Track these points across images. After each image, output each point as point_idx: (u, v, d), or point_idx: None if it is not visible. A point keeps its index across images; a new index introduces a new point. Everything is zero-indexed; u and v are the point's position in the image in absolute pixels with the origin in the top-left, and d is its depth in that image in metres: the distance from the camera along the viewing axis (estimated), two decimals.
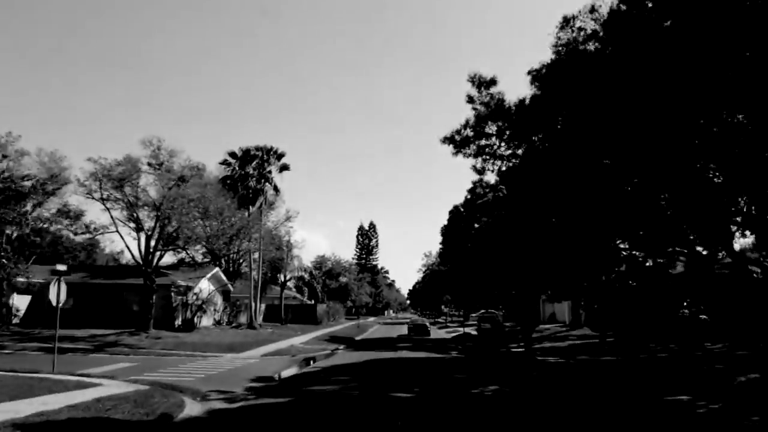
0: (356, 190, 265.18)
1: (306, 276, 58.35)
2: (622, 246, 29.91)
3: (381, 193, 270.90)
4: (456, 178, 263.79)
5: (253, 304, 45.87)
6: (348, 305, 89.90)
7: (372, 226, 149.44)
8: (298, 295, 76.68)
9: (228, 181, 44.69)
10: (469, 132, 24.57)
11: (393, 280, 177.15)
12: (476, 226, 47.81)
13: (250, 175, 45.54)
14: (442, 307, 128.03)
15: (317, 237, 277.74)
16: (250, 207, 45.19)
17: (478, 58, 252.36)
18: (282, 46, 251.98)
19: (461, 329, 59.48)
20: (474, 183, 49.26)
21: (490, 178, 32.87)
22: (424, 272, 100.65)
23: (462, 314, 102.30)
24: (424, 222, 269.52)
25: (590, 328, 40.05)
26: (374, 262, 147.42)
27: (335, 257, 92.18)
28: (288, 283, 61.03)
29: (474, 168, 26.45)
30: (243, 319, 55.85)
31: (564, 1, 26.30)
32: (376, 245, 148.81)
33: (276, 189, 48.00)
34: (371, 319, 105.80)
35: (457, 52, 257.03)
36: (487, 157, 25.43)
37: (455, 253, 49.63)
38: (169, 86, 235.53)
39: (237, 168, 45.62)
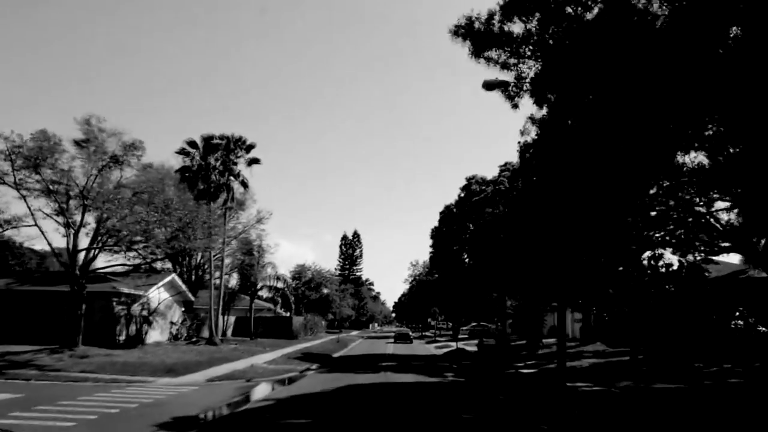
0: (343, 202, 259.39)
1: (281, 285, 51.86)
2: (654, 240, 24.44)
3: (369, 206, 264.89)
4: (447, 191, 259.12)
5: (213, 316, 39.65)
6: (329, 318, 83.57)
7: (356, 235, 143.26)
8: (273, 307, 70.45)
9: (186, 174, 38.65)
10: (496, 22, 17.94)
11: (378, 293, 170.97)
12: (471, 227, 42.22)
13: (213, 167, 39.51)
14: (429, 320, 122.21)
15: (303, 249, 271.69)
16: (212, 204, 39.14)
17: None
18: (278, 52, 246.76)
19: (453, 344, 53.66)
20: (468, 179, 43.94)
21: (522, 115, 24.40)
22: (410, 282, 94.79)
23: (451, 327, 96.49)
24: (411, 235, 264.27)
25: (605, 343, 34.38)
26: (358, 273, 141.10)
27: (315, 266, 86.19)
28: (261, 293, 54.70)
29: (505, 92, 18.67)
30: (207, 333, 49.69)
31: None
32: (361, 255, 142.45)
33: (244, 185, 42.07)
34: (354, 332, 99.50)
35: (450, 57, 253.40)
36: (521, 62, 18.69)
37: (446, 257, 43.95)
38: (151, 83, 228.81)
39: (198, 158, 39.60)
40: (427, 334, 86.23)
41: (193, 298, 44.44)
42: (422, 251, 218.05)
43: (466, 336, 67.30)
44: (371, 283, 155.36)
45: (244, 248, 49.08)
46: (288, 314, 61.85)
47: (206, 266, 48.66)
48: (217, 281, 41.87)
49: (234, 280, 51.90)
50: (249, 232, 49.45)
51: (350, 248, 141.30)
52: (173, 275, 41.07)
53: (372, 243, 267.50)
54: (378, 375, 25.35)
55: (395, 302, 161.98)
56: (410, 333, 68.23)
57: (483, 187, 42.13)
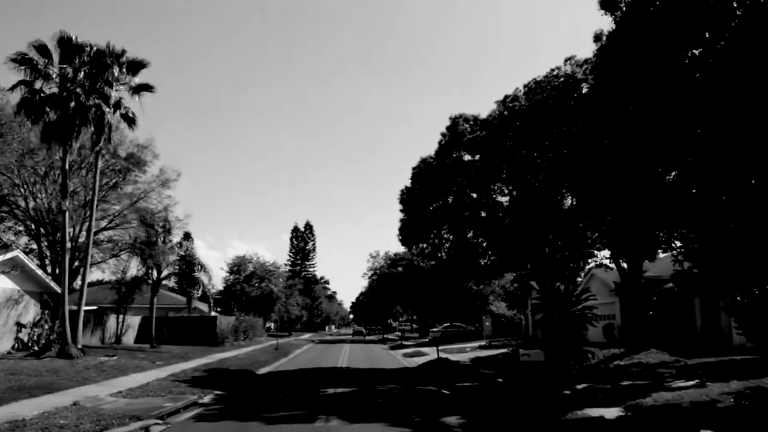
0: (301, 203, 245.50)
1: (197, 274, 38.08)
2: None
3: (325, 203, 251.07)
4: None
5: (68, 313, 25.94)
6: (273, 319, 70.01)
7: (308, 226, 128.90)
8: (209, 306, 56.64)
9: (28, 97, 24.95)
10: None
11: (334, 292, 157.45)
12: (460, 181, 29.73)
13: (73, 88, 25.75)
14: (390, 320, 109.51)
15: (260, 249, 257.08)
16: (72, 143, 25.57)
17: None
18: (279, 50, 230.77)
19: (425, 350, 41.07)
20: (454, 119, 31.40)
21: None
22: (370, 277, 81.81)
23: (416, 329, 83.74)
24: (369, 235, 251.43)
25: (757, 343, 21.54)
26: (312, 270, 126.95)
27: (258, 258, 72.74)
28: (169, 284, 40.91)
29: None
30: (93, 338, 35.87)
31: None
32: (314, 249, 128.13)
33: (129, 120, 28.52)
34: (306, 336, 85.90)
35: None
36: None
37: (421, 226, 31.33)
38: None
39: (50, 73, 25.86)
40: (391, 337, 73.38)
41: (58, 290, 30.70)
42: (382, 247, 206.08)
43: (439, 336, 54.81)
44: (326, 282, 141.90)
45: (143, 220, 35.48)
46: (214, 314, 48.17)
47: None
48: (68, 245, 28.32)
49: (134, 268, 38.18)
50: (149, 199, 35.97)
51: (302, 241, 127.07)
52: (16, 252, 27.29)
53: (329, 243, 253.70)
54: (313, 428, 12.59)
55: (353, 302, 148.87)
56: (364, 330, 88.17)
57: (475, 127, 29.67)
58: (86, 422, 12.59)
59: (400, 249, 77.88)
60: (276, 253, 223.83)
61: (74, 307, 31.93)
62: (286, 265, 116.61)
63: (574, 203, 27.63)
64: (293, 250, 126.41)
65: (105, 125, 26.71)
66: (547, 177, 26.49)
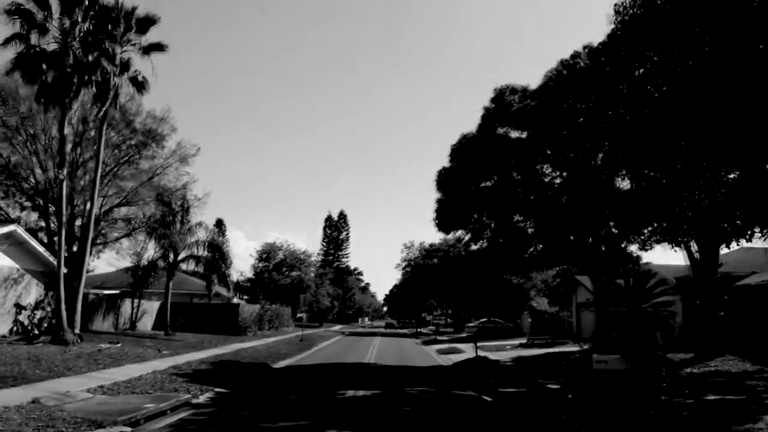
0: (338, 196, 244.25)
1: (221, 261, 35.26)
2: None
3: (362, 197, 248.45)
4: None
5: (63, 290, 23.21)
6: (303, 308, 67.47)
7: (342, 216, 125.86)
8: (229, 293, 54.31)
9: (24, 52, 22.37)
10: None
11: (368, 284, 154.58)
12: (505, 159, 26.28)
13: (71, 41, 23.02)
14: (424, 314, 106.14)
15: (297, 241, 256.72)
16: (72, 104, 22.95)
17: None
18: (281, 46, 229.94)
19: (460, 346, 37.92)
20: (500, 90, 27.93)
21: None
22: (403, 268, 78.52)
23: (451, 323, 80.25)
24: (405, 227, 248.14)
25: None
26: (345, 260, 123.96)
27: (288, 246, 70.23)
28: (188, 267, 38.28)
29: None
30: (105, 323, 33.66)
31: None
32: (347, 239, 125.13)
33: (138, 84, 25.77)
34: (336, 327, 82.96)
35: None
36: None
37: (461, 210, 28.02)
38: None
39: (50, 26, 23.20)
40: (424, 331, 70.11)
41: (65, 270, 28.35)
42: (417, 238, 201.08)
43: (474, 332, 51.22)
44: (360, 273, 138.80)
45: (161, 197, 32.94)
46: (237, 301, 45.62)
47: (101, 225, 32.58)
48: (79, 222, 25.88)
49: (151, 250, 35.72)
50: (166, 176, 33.45)
51: (335, 230, 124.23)
52: (14, 227, 24.93)
53: (364, 235, 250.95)
54: None
55: (386, 295, 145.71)
56: (395, 323, 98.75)
57: (524, 101, 26.13)
58: (28, 429, 9.78)
59: (436, 240, 74.55)
60: (313, 245, 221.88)
61: (89, 292, 29.71)
62: (318, 254, 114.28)
63: (636, 185, 23.95)
64: (326, 240, 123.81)
65: (111, 88, 24.01)
66: (609, 154, 22.78)
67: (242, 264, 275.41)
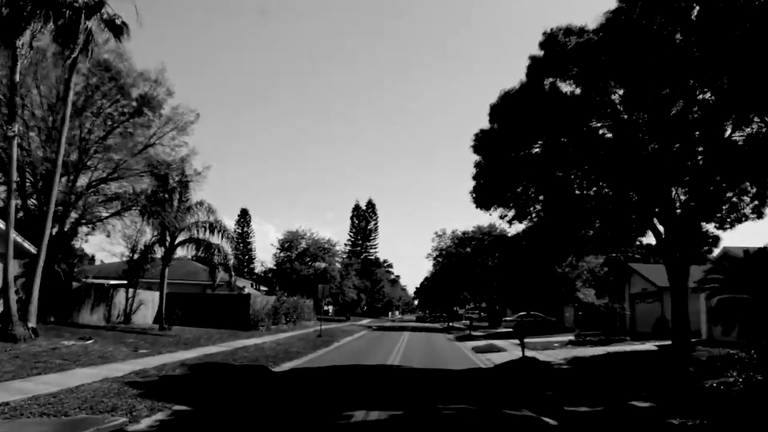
0: (367, 187, 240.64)
1: (215, 241, 30.86)
2: None
3: (392, 190, 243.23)
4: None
5: (11, 273, 18.93)
6: (325, 301, 63.09)
7: (370, 204, 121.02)
8: (255, 284, 50.01)
9: None
10: None
11: (398, 276, 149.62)
12: (558, 117, 21.19)
13: None
14: (456, 308, 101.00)
15: (326, 234, 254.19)
16: (19, 40, 18.68)
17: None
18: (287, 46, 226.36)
19: (498, 343, 33.07)
20: (550, 33, 22.82)
21: None
22: (435, 258, 73.48)
23: (486, 317, 74.98)
24: (436, 219, 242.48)
25: None
26: (373, 251, 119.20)
27: (311, 234, 65.88)
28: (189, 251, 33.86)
29: None
30: (94, 316, 29.68)
31: None
32: (375, 229, 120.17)
33: (115, 27, 21.41)
34: (364, 321, 78.09)
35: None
36: None
37: (503, 181, 23.16)
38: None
39: None
40: (457, 325, 65.10)
41: (33, 251, 24.15)
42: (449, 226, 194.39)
43: (513, 327, 46.16)
44: (390, 265, 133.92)
45: (153, 168, 28.64)
46: (248, 291, 41.26)
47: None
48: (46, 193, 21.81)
49: (149, 234, 31.53)
50: (162, 147, 29.20)
51: (363, 220, 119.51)
52: None
53: (394, 228, 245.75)
54: None
55: (416, 288, 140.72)
56: (426, 315, 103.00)
57: (579, 38, 21.04)
58: None
59: (469, 228, 69.40)
60: (342, 238, 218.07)
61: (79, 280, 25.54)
62: (346, 245, 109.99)
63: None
64: (353, 230, 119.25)
65: (81, 31, 19.72)
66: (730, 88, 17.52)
67: (267, 256, 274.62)
